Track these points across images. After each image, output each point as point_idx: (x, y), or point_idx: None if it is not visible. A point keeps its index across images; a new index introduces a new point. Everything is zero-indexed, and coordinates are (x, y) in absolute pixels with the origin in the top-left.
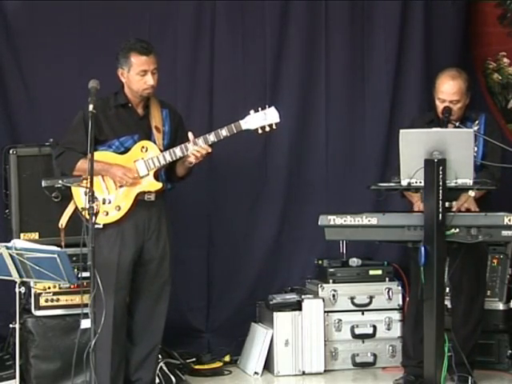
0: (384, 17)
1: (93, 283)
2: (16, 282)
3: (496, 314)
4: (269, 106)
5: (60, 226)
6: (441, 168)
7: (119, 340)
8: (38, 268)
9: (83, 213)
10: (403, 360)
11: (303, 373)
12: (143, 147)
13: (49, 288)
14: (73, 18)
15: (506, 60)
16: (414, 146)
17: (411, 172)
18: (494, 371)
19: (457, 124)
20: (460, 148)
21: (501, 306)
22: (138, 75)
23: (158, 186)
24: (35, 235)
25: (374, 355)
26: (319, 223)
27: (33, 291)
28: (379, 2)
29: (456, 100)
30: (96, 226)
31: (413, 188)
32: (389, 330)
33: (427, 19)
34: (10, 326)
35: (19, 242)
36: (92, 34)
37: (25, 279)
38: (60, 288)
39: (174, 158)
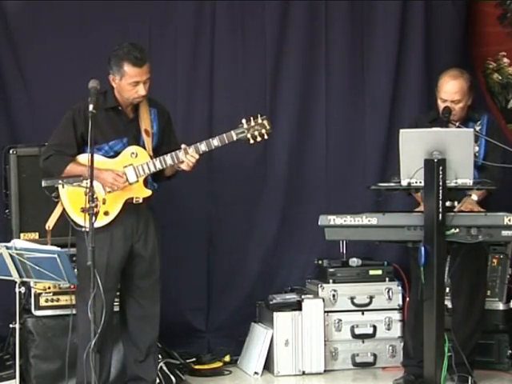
0: (384, 17)
1: (93, 283)
2: (16, 282)
3: (496, 314)
4: (261, 115)
5: (47, 227)
6: (441, 168)
7: (105, 341)
8: (38, 268)
9: (71, 215)
10: (403, 360)
11: (303, 373)
12: (133, 153)
13: (49, 288)
14: (73, 18)
15: (505, 60)
16: (414, 146)
17: (411, 172)
18: (494, 371)
19: (457, 124)
20: (460, 148)
21: (501, 306)
22: (129, 85)
23: (148, 193)
24: (35, 235)
25: (374, 355)
26: (319, 223)
27: (33, 291)
28: (379, 2)
29: (457, 100)
30: (83, 228)
31: (413, 188)
32: (389, 329)
33: (427, 19)
34: (10, 326)
35: (19, 242)
36: (92, 34)
37: (25, 279)
38: (60, 288)
39: (164, 166)
